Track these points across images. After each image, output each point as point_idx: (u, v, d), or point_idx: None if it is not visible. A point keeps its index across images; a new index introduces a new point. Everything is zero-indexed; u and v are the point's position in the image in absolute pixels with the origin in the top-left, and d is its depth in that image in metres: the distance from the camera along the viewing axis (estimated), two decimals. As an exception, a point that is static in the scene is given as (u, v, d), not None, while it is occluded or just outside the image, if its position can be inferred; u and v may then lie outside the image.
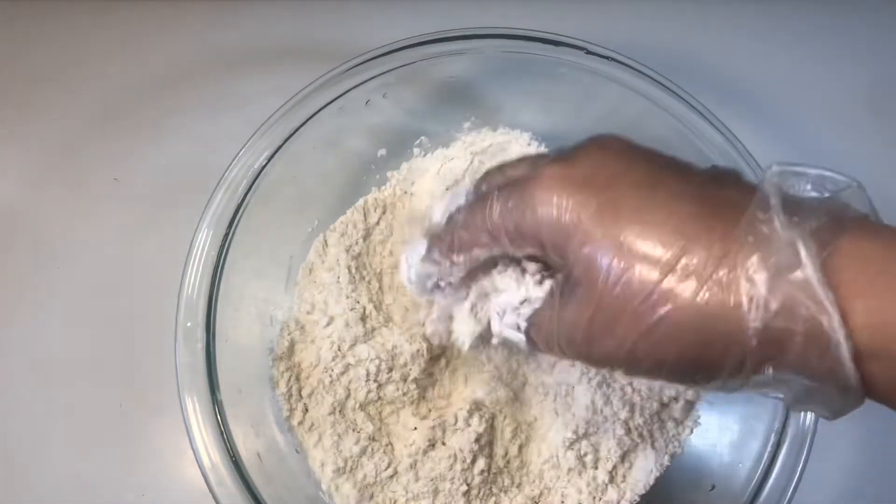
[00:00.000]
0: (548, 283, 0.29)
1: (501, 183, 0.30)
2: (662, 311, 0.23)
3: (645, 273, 0.23)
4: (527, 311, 0.30)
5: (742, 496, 0.40)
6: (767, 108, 0.55)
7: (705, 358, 0.23)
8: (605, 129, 0.45)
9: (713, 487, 0.42)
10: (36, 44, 0.54)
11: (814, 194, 0.24)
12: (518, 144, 0.47)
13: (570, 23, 0.53)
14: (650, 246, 0.23)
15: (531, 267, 0.30)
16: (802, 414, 0.39)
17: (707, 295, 0.22)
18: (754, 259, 0.22)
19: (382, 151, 0.47)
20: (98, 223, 0.51)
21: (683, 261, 0.23)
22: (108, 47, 0.55)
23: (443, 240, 0.30)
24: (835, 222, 0.22)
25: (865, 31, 0.57)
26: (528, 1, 0.56)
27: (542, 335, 0.29)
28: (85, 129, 0.53)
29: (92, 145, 0.52)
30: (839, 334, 0.21)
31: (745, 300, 0.22)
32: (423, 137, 0.48)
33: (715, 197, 0.24)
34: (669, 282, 0.23)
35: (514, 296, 0.30)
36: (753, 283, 0.22)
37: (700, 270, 0.22)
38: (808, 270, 0.21)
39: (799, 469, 0.39)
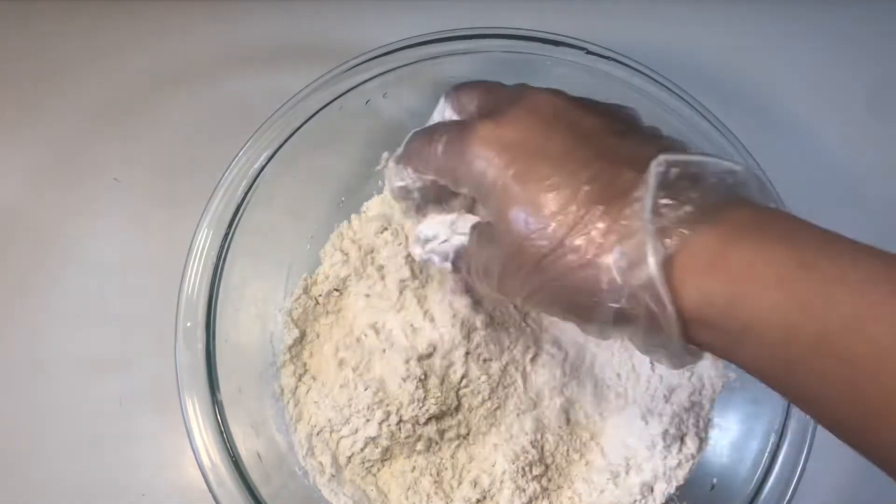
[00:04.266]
0: (470, 222, 0.35)
1: (446, 122, 0.36)
2: (551, 273, 0.28)
3: (543, 236, 0.28)
4: (455, 242, 0.36)
5: (742, 494, 0.40)
6: (767, 107, 0.55)
7: (582, 310, 0.29)
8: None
9: (713, 486, 0.42)
10: (36, 44, 0.54)
11: (688, 188, 0.27)
12: None
13: (571, 23, 0.53)
14: (548, 215, 0.28)
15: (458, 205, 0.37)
16: (804, 413, 0.39)
17: (582, 271, 0.28)
18: (616, 251, 0.27)
19: (384, 153, 0.47)
20: (98, 223, 0.51)
21: (572, 236, 0.28)
22: (107, 47, 0.55)
23: (405, 158, 0.36)
24: (697, 213, 0.26)
25: (865, 32, 0.57)
26: (528, 1, 0.56)
27: (465, 265, 0.35)
28: (85, 129, 0.53)
29: (92, 145, 0.52)
30: (671, 321, 0.26)
31: (604, 283, 0.27)
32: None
33: (616, 173, 0.28)
34: (559, 250, 0.28)
35: (445, 230, 0.36)
36: (612, 272, 0.27)
37: (581, 247, 0.27)
38: (650, 269, 0.26)
39: (799, 468, 0.39)
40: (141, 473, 0.46)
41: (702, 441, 0.43)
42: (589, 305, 0.28)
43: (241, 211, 0.40)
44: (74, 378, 0.48)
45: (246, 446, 0.39)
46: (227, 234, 0.40)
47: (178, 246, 0.40)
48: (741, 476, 0.41)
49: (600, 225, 0.27)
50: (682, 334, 0.27)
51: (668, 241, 0.26)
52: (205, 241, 0.40)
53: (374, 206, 0.47)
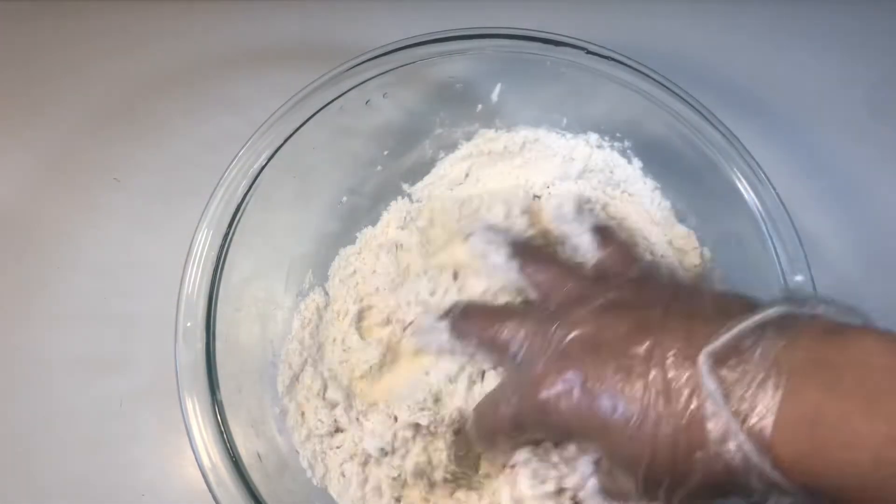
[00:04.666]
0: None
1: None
2: (686, 469, 0.29)
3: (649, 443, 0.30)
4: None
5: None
6: (767, 107, 0.55)
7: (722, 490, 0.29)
8: (606, 129, 0.46)
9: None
10: (36, 44, 0.55)
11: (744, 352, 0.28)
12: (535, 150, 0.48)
13: (571, 23, 0.53)
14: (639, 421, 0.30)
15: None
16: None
17: (715, 466, 0.28)
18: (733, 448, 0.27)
19: (384, 152, 0.47)
20: (98, 223, 0.51)
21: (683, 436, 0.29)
22: (108, 48, 0.55)
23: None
24: (766, 377, 0.27)
25: (866, 31, 0.57)
26: (528, 1, 0.56)
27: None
28: (86, 129, 0.53)
29: (92, 145, 0.52)
30: (788, 485, 0.27)
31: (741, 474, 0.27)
32: (426, 141, 0.48)
33: (666, 376, 0.29)
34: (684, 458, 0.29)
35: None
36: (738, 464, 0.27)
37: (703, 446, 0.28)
38: (762, 464, 0.27)
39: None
40: (141, 473, 0.46)
41: None
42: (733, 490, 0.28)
43: (241, 210, 0.40)
44: (74, 378, 0.48)
45: (246, 446, 0.38)
46: (227, 234, 0.40)
47: (178, 246, 0.40)
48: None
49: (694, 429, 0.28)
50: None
51: (759, 429, 0.26)
52: (205, 241, 0.39)
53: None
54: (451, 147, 0.48)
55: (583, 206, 0.42)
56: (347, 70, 0.42)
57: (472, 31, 0.43)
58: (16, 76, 0.54)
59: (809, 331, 0.28)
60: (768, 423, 0.26)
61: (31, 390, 0.48)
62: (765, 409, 0.27)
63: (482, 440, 0.38)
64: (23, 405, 0.47)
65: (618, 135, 0.46)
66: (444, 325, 0.40)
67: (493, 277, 0.40)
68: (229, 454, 0.37)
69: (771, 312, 0.29)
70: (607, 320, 0.33)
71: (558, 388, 0.32)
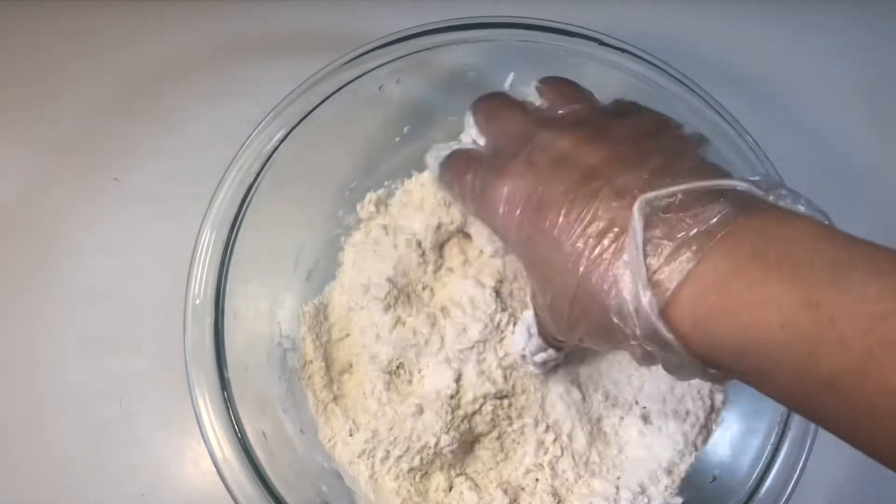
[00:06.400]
0: None
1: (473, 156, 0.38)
2: (583, 306, 0.30)
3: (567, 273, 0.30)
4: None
5: (742, 489, 0.40)
6: (777, 101, 0.55)
7: (618, 344, 0.30)
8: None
9: (714, 479, 0.42)
10: (36, 42, 0.54)
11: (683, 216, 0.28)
12: None
13: (584, 13, 0.53)
14: (567, 254, 0.30)
15: None
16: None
17: (605, 310, 0.29)
18: (623, 300, 0.28)
19: (396, 138, 0.47)
20: (99, 223, 0.51)
21: (589, 272, 0.29)
22: (108, 45, 0.54)
23: (443, 178, 0.40)
24: (691, 241, 0.27)
25: (868, 30, 0.57)
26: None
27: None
28: (85, 128, 0.53)
29: (92, 143, 0.52)
30: (686, 360, 0.28)
31: (625, 328, 0.29)
32: (438, 128, 0.48)
33: (614, 209, 0.29)
34: (581, 287, 0.30)
35: None
36: (624, 318, 0.28)
37: (599, 287, 0.29)
38: (652, 319, 0.27)
39: (800, 465, 0.39)
40: (141, 474, 0.47)
41: (708, 433, 0.43)
42: (620, 340, 0.29)
43: (252, 191, 0.40)
44: (74, 379, 0.48)
45: (252, 425, 0.39)
46: (237, 214, 0.40)
47: (189, 226, 0.40)
48: (742, 471, 0.41)
49: (609, 271, 0.28)
50: (702, 367, 0.28)
51: (664, 286, 0.27)
52: (216, 221, 0.40)
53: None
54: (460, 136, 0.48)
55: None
56: (361, 55, 0.42)
57: (487, 19, 0.43)
58: (15, 74, 0.53)
59: (760, 211, 0.27)
60: (673, 281, 0.26)
61: (30, 391, 0.48)
62: (678, 266, 0.26)
63: (444, 182, 0.40)
64: (22, 406, 0.47)
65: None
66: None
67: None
68: (235, 432, 0.38)
69: (732, 184, 0.28)
70: (585, 145, 0.32)
71: (510, 184, 0.33)
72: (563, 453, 0.42)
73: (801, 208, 0.28)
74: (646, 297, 0.27)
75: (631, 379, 0.44)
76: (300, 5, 0.56)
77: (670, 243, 0.27)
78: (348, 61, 0.42)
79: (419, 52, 0.43)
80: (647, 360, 0.30)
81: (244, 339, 0.41)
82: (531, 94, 0.39)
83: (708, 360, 0.27)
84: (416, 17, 0.44)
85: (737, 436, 0.43)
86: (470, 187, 0.36)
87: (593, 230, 0.29)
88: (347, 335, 0.45)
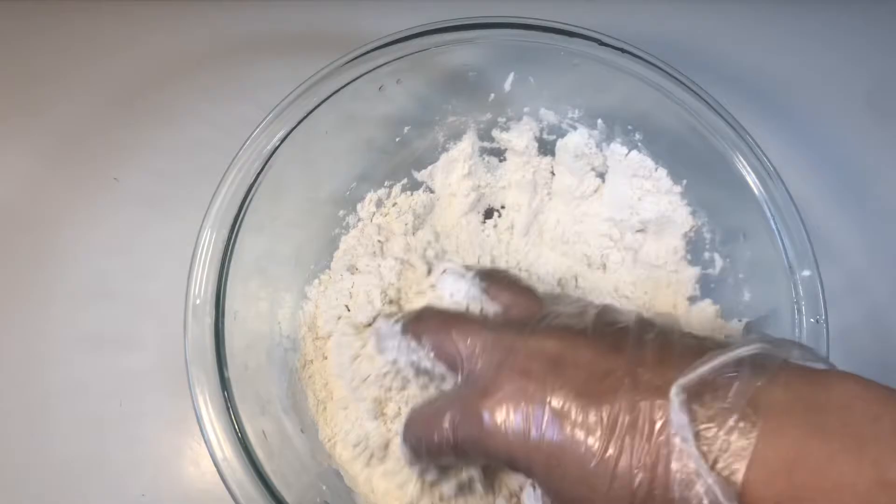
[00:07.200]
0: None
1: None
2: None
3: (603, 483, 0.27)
4: None
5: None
6: (777, 102, 0.55)
7: None
8: (617, 120, 0.46)
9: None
10: (36, 42, 0.54)
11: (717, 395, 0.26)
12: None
13: (584, 14, 0.53)
14: (601, 461, 0.28)
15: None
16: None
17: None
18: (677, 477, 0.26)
19: (396, 138, 0.48)
20: (99, 223, 0.51)
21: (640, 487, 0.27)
22: (108, 45, 0.55)
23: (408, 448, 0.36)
24: (742, 421, 0.25)
25: (869, 30, 0.57)
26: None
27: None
28: (85, 127, 0.53)
29: (92, 143, 0.52)
30: None
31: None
32: (438, 129, 0.48)
33: (641, 403, 0.27)
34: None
35: None
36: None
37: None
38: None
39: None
40: (141, 474, 0.46)
41: None
42: None
43: (252, 191, 0.40)
44: (74, 379, 0.48)
45: (252, 424, 0.39)
46: (238, 214, 0.40)
47: (189, 226, 0.40)
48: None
49: (668, 472, 0.26)
50: None
51: (732, 476, 0.25)
52: (216, 220, 0.40)
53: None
54: (460, 136, 0.49)
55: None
56: (362, 55, 0.42)
57: (486, 19, 0.43)
58: (15, 74, 0.54)
59: (787, 372, 0.27)
60: (741, 465, 0.25)
61: (30, 392, 0.48)
62: (739, 449, 0.25)
63: (411, 453, 0.36)
64: (22, 406, 0.47)
65: (629, 127, 0.46)
66: (399, 327, 0.38)
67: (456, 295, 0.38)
68: (235, 431, 0.37)
69: (747, 350, 0.27)
70: (576, 341, 0.30)
71: (508, 402, 0.29)
72: None
73: (821, 365, 0.27)
74: (717, 490, 0.25)
75: None
76: (301, 5, 0.56)
77: (717, 428, 0.25)
78: (348, 61, 0.42)
79: (419, 52, 0.43)
80: None
81: (244, 339, 0.41)
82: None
83: None
84: (416, 17, 0.44)
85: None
86: (449, 432, 0.32)
87: (629, 431, 0.27)
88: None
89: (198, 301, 0.39)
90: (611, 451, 0.27)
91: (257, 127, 0.41)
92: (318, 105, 0.41)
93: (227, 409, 0.37)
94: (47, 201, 0.51)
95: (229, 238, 0.40)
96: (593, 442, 0.27)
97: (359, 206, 0.47)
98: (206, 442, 0.37)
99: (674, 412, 0.26)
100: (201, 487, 0.46)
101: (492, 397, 0.30)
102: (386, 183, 0.48)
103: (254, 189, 0.40)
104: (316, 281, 0.46)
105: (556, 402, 0.28)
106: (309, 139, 0.42)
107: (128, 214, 0.51)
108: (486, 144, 0.49)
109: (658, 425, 0.26)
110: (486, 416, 0.30)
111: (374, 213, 0.47)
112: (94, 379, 0.48)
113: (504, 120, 0.48)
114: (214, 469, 0.37)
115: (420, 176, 0.49)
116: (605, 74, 0.43)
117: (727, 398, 0.26)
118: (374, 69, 0.42)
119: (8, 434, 0.47)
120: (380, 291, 0.43)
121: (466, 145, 0.48)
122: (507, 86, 0.47)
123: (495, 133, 0.48)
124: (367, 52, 0.42)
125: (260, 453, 0.38)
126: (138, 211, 0.51)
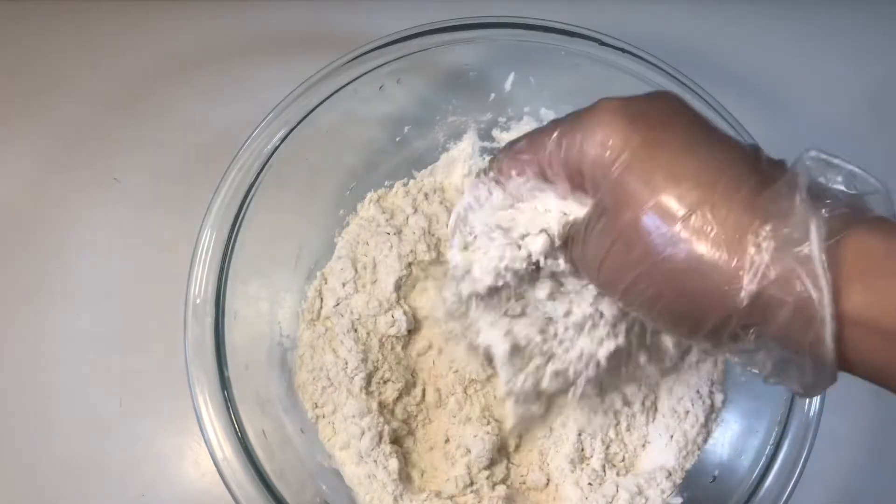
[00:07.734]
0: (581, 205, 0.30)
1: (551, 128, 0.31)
2: (668, 252, 0.24)
3: (663, 215, 0.24)
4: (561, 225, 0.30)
5: (742, 489, 0.40)
6: (778, 101, 0.55)
7: (695, 307, 0.25)
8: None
9: (714, 479, 0.42)
10: (35, 40, 0.54)
11: (841, 188, 0.25)
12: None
13: (585, 14, 0.53)
14: (675, 193, 0.24)
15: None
16: (806, 408, 0.39)
17: (714, 249, 0.23)
18: (767, 228, 0.23)
19: (396, 138, 0.48)
20: (98, 222, 0.51)
21: (700, 213, 0.24)
22: (108, 45, 0.55)
23: (495, 166, 0.32)
24: (852, 215, 0.23)
25: (869, 30, 0.57)
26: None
27: (574, 252, 0.30)
28: (85, 127, 0.53)
29: (92, 143, 0.52)
30: (826, 312, 0.22)
31: (747, 263, 0.23)
32: (438, 129, 0.48)
33: (748, 166, 0.25)
34: (682, 228, 0.24)
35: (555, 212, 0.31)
36: (759, 250, 0.23)
37: (714, 226, 0.23)
38: (813, 248, 0.22)
39: (801, 463, 0.39)
40: (141, 474, 0.47)
41: (707, 433, 0.43)
42: (711, 301, 0.24)
43: (252, 191, 0.40)
44: (74, 381, 0.48)
45: (252, 423, 0.39)
46: (238, 214, 0.40)
47: (189, 226, 0.40)
48: (742, 470, 0.41)
49: (740, 205, 0.24)
50: (835, 336, 0.22)
51: (831, 228, 0.22)
52: (216, 220, 0.40)
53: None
54: (461, 136, 0.49)
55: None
56: (362, 55, 0.42)
57: (487, 19, 0.43)
58: (15, 74, 0.54)
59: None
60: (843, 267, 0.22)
61: (30, 391, 0.48)
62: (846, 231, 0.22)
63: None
64: (22, 406, 0.47)
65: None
66: (490, 176, 0.33)
67: None
68: (235, 431, 0.37)
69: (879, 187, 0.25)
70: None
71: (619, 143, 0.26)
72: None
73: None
74: (813, 227, 0.22)
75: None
76: (301, 5, 0.56)
77: (833, 205, 0.23)
78: (348, 61, 0.42)
79: (419, 51, 0.43)
80: (720, 341, 0.25)
81: (244, 339, 0.41)
82: None
83: (852, 331, 0.22)
84: (416, 17, 0.44)
85: (737, 436, 0.43)
86: (549, 140, 0.29)
87: (732, 175, 0.24)
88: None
89: (198, 301, 0.39)
90: (702, 221, 0.24)
91: (257, 127, 0.41)
92: (318, 105, 0.42)
93: (227, 408, 0.37)
94: (47, 201, 0.51)
95: (229, 238, 0.40)
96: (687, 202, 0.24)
97: (359, 206, 0.47)
98: (206, 442, 0.37)
99: (800, 163, 0.25)
100: (201, 487, 0.46)
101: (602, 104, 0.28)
102: (386, 183, 0.48)
103: (254, 189, 0.40)
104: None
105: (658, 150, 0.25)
106: (309, 139, 0.42)
107: (128, 214, 0.51)
108: (487, 144, 0.49)
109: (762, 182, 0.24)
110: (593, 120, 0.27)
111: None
112: (94, 379, 0.48)
113: (504, 120, 0.48)
114: (214, 469, 0.37)
115: (420, 176, 0.49)
116: (605, 74, 0.43)
117: (848, 195, 0.24)
118: (375, 69, 0.43)
119: (8, 434, 0.47)
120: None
121: (467, 145, 0.48)
122: (508, 86, 0.47)
123: (496, 133, 0.48)
124: (367, 52, 0.42)
125: (260, 453, 0.38)
126: (138, 211, 0.51)
